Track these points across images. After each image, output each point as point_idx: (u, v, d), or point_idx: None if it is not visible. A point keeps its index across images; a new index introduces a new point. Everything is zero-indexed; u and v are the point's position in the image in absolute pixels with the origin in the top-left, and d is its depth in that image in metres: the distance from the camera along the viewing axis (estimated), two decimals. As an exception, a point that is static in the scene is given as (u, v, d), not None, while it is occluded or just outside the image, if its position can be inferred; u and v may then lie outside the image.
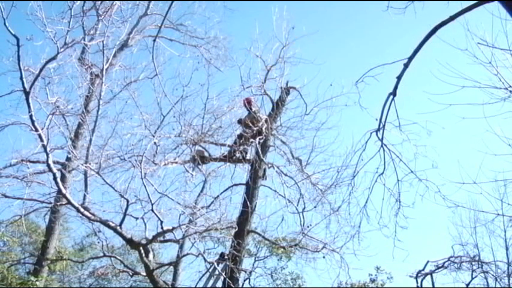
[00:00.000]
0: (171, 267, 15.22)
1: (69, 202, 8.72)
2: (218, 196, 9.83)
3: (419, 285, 11.29)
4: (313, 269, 10.52)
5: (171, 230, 8.75)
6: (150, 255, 9.02)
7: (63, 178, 10.74)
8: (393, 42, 21.91)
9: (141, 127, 9.60)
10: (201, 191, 10.06)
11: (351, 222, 8.35)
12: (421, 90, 7.05)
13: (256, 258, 18.55)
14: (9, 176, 10.13)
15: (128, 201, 8.53)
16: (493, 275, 13.30)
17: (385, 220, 7.58)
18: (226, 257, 9.63)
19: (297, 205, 9.99)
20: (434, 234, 19.78)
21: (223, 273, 9.17)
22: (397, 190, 7.21)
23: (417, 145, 7.25)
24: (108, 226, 8.78)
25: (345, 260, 9.75)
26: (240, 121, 10.25)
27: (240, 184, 10.25)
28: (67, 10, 10.18)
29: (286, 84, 10.60)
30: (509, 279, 13.85)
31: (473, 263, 12.58)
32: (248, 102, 10.36)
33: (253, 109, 10.25)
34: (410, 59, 5.92)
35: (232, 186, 10.20)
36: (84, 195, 8.97)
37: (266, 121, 9.97)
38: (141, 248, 8.84)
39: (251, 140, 9.89)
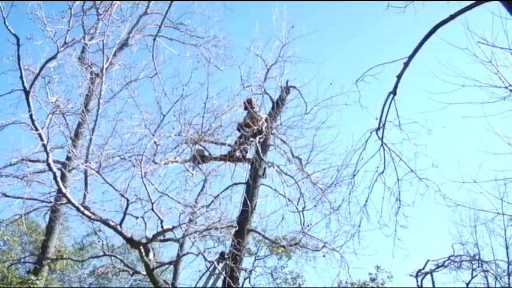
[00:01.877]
0: (171, 266, 15.26)
1: (69, 201, 8.70)
2: (218, 195, 9.81)
3: (419, 284, 11.30)
4: (313, 268, 10.54)
5: (171, 229, 8.73)
6: (150, 255, 9.00)
7: (63, 177, 10.74)
8: (393, 41, 21.90)
9: (141, 126, 9.59)
10: (201, 190, 10.04)
11: (351, 221, 8.38)
12: (421, 89, 7.06)
13: (257, 257, 18.53)
14: (9, 175, 10.16)
15: (128, 200, 8.52)
16: (493, 274, 13.32)
17: (385, 219, 7.62)
18: (226, 256, 9.63)
19: (297, 204, 10.00)
20: (435, 233, 19.78)
21: (224, 273, 9.17)
22: (397, 189, 7.23)
23: (417, 144, 7.29)
24: (108, 225, 8.76)
25: (345, 259, 9.77)
26: (239, 128, 10.22)
27: (240, 183, 10.24)
28: (67, 9, 10.14)
29: (286, 83, 10.60)
30: (509, 278, 13.86)
31: (473, 262, 12.59)
32: (248, 102, 10.36)
33: (254, 109, 10.24)
34: (411, 58, 5.92)
35: (232, 185, 10.19)
36: (84, 195, 8.95)
37: (266, 120, 9.97)
38: (141, 247, 8.82)
39: (251, 139, 9.88)
